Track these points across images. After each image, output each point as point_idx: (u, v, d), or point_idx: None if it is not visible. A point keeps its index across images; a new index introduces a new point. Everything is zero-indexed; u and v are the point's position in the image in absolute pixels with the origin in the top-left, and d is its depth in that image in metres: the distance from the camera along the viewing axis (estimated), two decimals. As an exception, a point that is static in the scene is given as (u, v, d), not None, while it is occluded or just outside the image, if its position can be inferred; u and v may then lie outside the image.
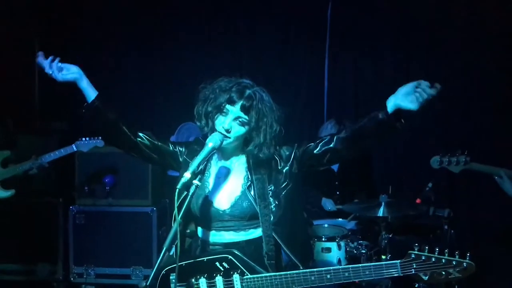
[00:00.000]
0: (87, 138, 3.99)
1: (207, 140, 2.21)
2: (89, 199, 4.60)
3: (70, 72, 2.41)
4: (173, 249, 2.09)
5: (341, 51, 4.99)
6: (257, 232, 2.30)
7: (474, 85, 4.57)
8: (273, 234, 2.25)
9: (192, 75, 5.00)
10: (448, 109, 4.61)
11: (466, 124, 4.58)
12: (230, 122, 2.23)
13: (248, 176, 2.30)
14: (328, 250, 3.74)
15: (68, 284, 4.64)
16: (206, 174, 2.34)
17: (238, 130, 2.24)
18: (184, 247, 2.31)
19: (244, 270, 2.16)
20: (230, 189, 2.31)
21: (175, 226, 2.05)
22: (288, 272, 2.16)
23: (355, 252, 3.78)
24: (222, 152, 2.34)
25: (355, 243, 3.80)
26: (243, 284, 2.16)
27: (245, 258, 2.18)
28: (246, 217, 2.27)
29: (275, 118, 2.26)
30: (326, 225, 4.04)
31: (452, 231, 3.84)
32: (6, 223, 3.89)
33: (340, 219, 4.20)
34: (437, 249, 2.08)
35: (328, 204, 4.42)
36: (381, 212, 3.62)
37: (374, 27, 4.86)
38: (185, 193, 2.12)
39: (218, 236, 2.31)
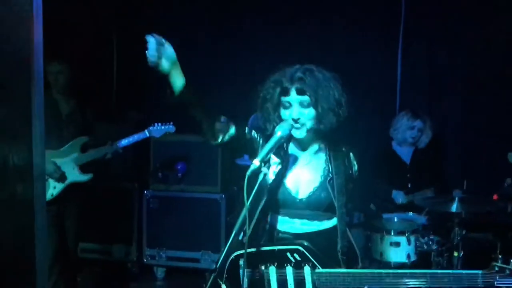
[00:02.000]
0: (159, 124, 4.09)
1: (276, 129, 2.23)
2: (162, 185, 4.80)
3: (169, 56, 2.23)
4: (242, 235, 2.13)
5: (414, 40, 4.81)
6: (330, 223, 2.31)
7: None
8: (348, 230, 2.25)
9: (262, 65, 5.03)
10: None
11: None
12: (296, 111, 2.24)
13: (328, 169, 2.31)
14: (397, 244, 3.65)
15: (141, 265, 4.87)
16: (284, 163, 2.33)
17: (307, 114, 2.24)
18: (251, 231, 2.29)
19: (316, 263, 2.15)
20: (309, 178, 2.32)
21: (244, 212, 2.08)
22: (363, 270, 2.15)
23: (425, 247, 3.67)
24: (299, 142, 2.35)
25: (426, 238, 3.69)
26: (314, 277, 2.14)
27: (316, 251, 2.17)
28: (322, 207, 2.29)
29: (331, 87, 2.26)
30: (396, 219, 3.94)
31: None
32: (86, 205, 4.10)
33: (410, 213, 4.08)
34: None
35: (399, 196, 4.30)
36: (454, 207, 3.49)
37: (449, 15, 4.65)
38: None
39: (290, 224, 2.32)
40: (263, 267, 2.19)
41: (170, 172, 4.76)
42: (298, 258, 2.16)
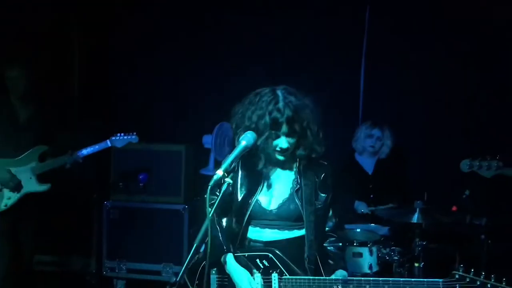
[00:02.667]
0: (121, 134, 4.02)
1: (240, 138, 2.22)
2: (123, 195, 4.70)
3: None
4: (203, 246, 2.09)
5: (377, 52, 4.90)
6: (300, 232, 2.36)
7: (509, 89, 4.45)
8: (315, 239, 2.30)
9: (229, 78, 5.04)
10: (491, 113, 4.51)
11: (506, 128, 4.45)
12: (284, 142, 2.29)
13: (297, 180, 2.38)
14: (360, 255, 3.66)
15: (100, 278, 4.74)
16: (255, 176, 2.39)
17: (292, 142, 2.31)
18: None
19: (283, 270, 2.22)
20: (279, 190, 2.39)
21: (206, 223, 2.05)
22: (327, 278, 2.19)
23: (387, 258, 3.70)
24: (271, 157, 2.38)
25: (388, 249, 3.72)
26: (281, 284, 2.21)
27: (285, 258, 2.22)
28: (292, 218, 2.35)
29: (312, 115, 2.34)
30: (358, 230, 3.97)
31: (490, 241, 3.72)
32: (44, 215, 3.97)
33: (372, 224, 4.13)
34: (483, 273, 2.02)
35: (361, 206, 4.35)
36: (415, 218, 3.54)
37: (412, 28, 4.76)
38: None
39: (260, 233, 2.37)
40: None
41: (131, 182, 4.65)
42: (267, 265, 2.24)
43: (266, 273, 2.23)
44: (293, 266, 2.23)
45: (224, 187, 2.12)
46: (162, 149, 4.72)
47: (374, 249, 3.66)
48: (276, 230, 2.35)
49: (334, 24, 4.95)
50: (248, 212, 2.35)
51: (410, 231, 3.77)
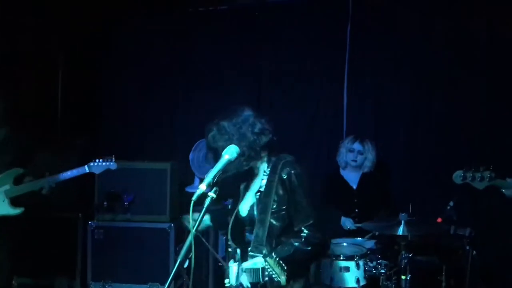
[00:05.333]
0: (100, 160, 3.95)
1: (223, 152, 2.23)
2: (108, 215, 4.64)
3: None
4: (187, 262, 2.08)
5: (360, 67, 4.97)
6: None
7: (498, 100, 4.51)
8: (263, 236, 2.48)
9: (213, 93, 5.07)
10: (471, 125, 4.56)
11: (490, 140, 4.50)
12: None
13: (261, 186, 2.59)
14: (347, 269, 3.66)
15: (86, 300, 4.66)
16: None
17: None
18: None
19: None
20: (249, 198, 2.65)
21: (189, 238, 2.05)
22: None
23: (374, 271, 3.70)
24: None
25: (374, 263, 3.72)
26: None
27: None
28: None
29: (243, 134, 2.49)
30: (344, 244, 3.97)
31: (474, 252, 3.73)
32: (26, 237, 3.89)
33: (359, 238, 4.12)
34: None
35: (347, 222, 4.37)
36: (400, 230, 3.54)
37: (394, 41, 4.84)
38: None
39: (248, 236, 2.62)
40: None
41: (115, 201, 4.60)
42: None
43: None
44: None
45: (207, 202, 2.12)
46: (146, 167, 4.69)
47: (360, 263, 3.66)
48: (248, 234, 2.63)
49: (316, 41, 5.02)
50: (232, 221, 2.63)
51: (396, 244, 3.78)
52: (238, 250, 2.60)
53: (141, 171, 4.62)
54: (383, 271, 3.69)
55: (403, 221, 3.57)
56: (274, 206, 2.51)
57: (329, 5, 5.01)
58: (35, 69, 5.08)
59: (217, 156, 2.42)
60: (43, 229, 4.56)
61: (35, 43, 5.05)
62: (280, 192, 2.53)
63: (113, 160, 3.97)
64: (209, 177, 2.14)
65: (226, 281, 2.60)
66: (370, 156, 4.47)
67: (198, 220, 2.09)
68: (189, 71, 5.30)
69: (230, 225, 2.65)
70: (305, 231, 2.51)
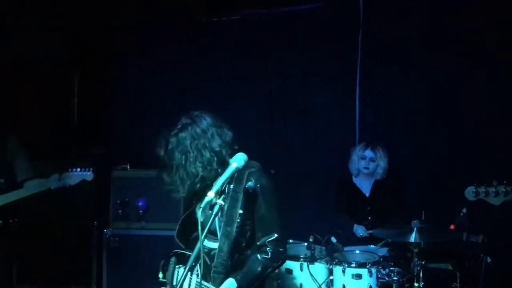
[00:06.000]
0: (77, 169, 3.75)
1: (231, 160, 2.26)
2: (122, 223, 4.69)
3: None
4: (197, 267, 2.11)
5: (373, 73, 4.97)
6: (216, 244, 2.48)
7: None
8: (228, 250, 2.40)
9: (228, 103, 5.11)
10: (486, 131, 4.53)
11: (507, 147, 4.46)
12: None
13: (224, 195, 2.44)
14: (359, 276, 3.65)
15: (101, 307, 4.71)
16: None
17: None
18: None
19: (199, 274, 2.46)
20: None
21: (198, 245, 2.08)
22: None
23: (386, 279, 3.67)
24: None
25: (387, 270, 3.70)
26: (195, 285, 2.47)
27: (208, 263, 2.43)
28: (211, 232, 2.47)
29: (199, 151, 2.44)
30: (357, 251, 3.96)
31: (489, 259, 3.69)
32: (42, 245, 3.95)
33: (372, 246, 4.12)
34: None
35: (360, 230, 4.37)
36: (413, 238, 3.53)
37: (406, 49, 4.83)
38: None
39: (206, 242, 2.49)
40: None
41: (130, 209, 4.66)
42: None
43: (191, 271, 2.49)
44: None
45: (216, 209, 2.15)
46: (160, 175, 4.74)
47: (373, 270, 3.65)
48: (210, 241, 2.52)
49: (328, 47, 5.04)
50: (185, 218, 2.66)
51: (409, 251, 3.75)
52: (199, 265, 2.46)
53: (155, 179, 4.66)
54: (395, 278, 3.66)
55: (415, 228, 3.55)
56: (238, 220, 2.41)
57: (340, 12, 5.02)
58: (50, 81, 5.19)
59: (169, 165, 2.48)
60: (59, 236, 4.64)
61: (50, 56, 5.17)
62: (245, 204, 2.42)
63: (91, 170, 3.79)
64: (217, 185, 2.17)
65: (161, 276, 2.70)
66: (382, 163, 4.47)
67: (206, 228, 2.12)
68: (205, 77, 5.33)
69: (181, 223, 2.67)
70: (269, 247, 2.44)
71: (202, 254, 2.06)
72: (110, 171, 4.71)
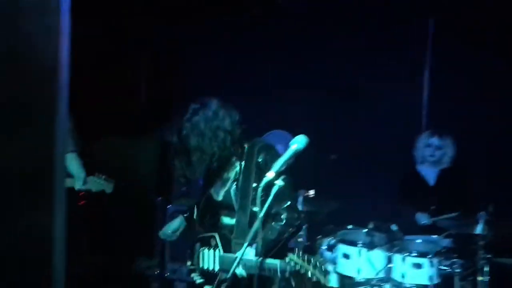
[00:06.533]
0: (101, 177, 3.80)
1: (291, 142, 2.27)
2: (185, 199, 4.84)
3: None
4: (255, 244, 2.15)
5: (442, 57, 4.78)
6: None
7: None
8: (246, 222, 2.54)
9: (289, 81, 5.10)
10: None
11: None
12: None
13: (237, 173, 2.67)
14: (419, 266, 3.56)
15: (162, 280, 4.90)
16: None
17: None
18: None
19: (221, 249, 2.65)
20: (223, 183, 2.73)
21: (257, 223, 2.12)
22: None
23: (449, 270, 3.58)
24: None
25: (449, 261, 3.61)
26: (220, 260, 2.64)
27: (227, 239, 2.63)
28: (231, 207, 2.65)
29: (214, 132, 2.59)
30: (418, 240, 3.87)
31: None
32: (109, 218, 4.15)
33: (434, 236, 4.01)
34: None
35: (422, 218, 4.25)
36: (479, 229, 3.41)
37: (477, 32, 4.61)
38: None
39: (224, 219, 2.73)
40: (201, 249, 2.78)
41: (193, 187, 4.80)
42: (214, 243, 2.69)
43: (214, 249, 2.70)
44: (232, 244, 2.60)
45: (275, 189, 2.17)
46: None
47: (435, 260, 3.56)
48: (228, 218, 2.70)
49: (397, 32, 4.89)
50: (203, 204, 2.81)
51: (473, 243, 3.63)
52: (217, 236, 2.67)
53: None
54: (458, 270, 3.57)
55: (482, 220, 3.44)
56: (254, 193, 2.53)
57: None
58: (120, 65, 5.37)
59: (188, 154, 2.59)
60: (127, 211, 4.86)
61: (119, 41, 5.34)
62: (258, 177, 2.53)
63: (112, 182, 3.82)
64: (277, 165, 2.20)
65: (189, 263, 2.85)
66: (448, 151, 4.32)
67: (266, 206, 2.16)
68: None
69: (199, 209, 2.81)
70: (284, 214, 2.56)
71: (259, 233, 2.11)
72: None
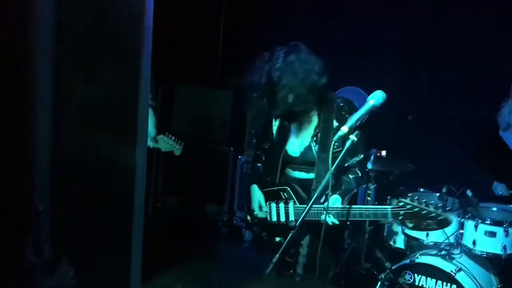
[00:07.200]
0: (171, 138, 3.77)
1: (369, 97, 2.23)
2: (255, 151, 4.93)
3: None
4: (323, 197, 2.18)
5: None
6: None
7: None
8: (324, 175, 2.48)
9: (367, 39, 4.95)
10: None
11: None
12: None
13: (316, 127, 2.71)
14: (493, 234, 3.44)
15: (231, 226, 5.09)
16: (285, 132, 2.79)
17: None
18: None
19: (295, 200, 2.70)
20: (302, 139, 2.76)
21: (327, 176, 2.13)
22: (316, 206, 2.49)
23: (524, 241, 3.43)
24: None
25: (526, 233, 3.44)
26: (295, 211, 2.69)
27: (299, 191, 2.70)
28: (311, 162, 2.70)
29: (307, 73, 2.54)
30: (494, 209, 3.73)
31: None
32: (185, 165, 4.30)
33: (511, 205, 3.84)
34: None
35: (499, 188, 4.06)
36: (562, 202, 3.22)
37: None
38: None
39: (296, 174, 2.82)
40: (267, 204, 2.82)
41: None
42: (286, 196, 2.74)
43: (286, 203, 2.75)
44: (305, 197, 2.68)
45: (348, 144, 2.17)
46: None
47: (510, 230, 3.42)
48: (303, 173, 2.78)
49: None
50: (279, 160, 2.80)
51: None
52: (289, 189, 2.72)
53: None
54: (534, 242, 3.41)
55: None
56: (334, 146, 2.45)
57: None
58: (197, 13, 5.42)
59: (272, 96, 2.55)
60: (201, 159, 5.04)
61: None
62: (337, 131, 2.43)
63: (182, 144, 3.79)
64: (352, 120, 2.18)
65: (249, 218, 2.92)
66: (537, 118, 4.04)
67: (338, 161, 2.16)
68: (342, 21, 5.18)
69: (278, 165, 2.79)
70: (358, 167, 2.66)
71: (330, 185, 2.13)
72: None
